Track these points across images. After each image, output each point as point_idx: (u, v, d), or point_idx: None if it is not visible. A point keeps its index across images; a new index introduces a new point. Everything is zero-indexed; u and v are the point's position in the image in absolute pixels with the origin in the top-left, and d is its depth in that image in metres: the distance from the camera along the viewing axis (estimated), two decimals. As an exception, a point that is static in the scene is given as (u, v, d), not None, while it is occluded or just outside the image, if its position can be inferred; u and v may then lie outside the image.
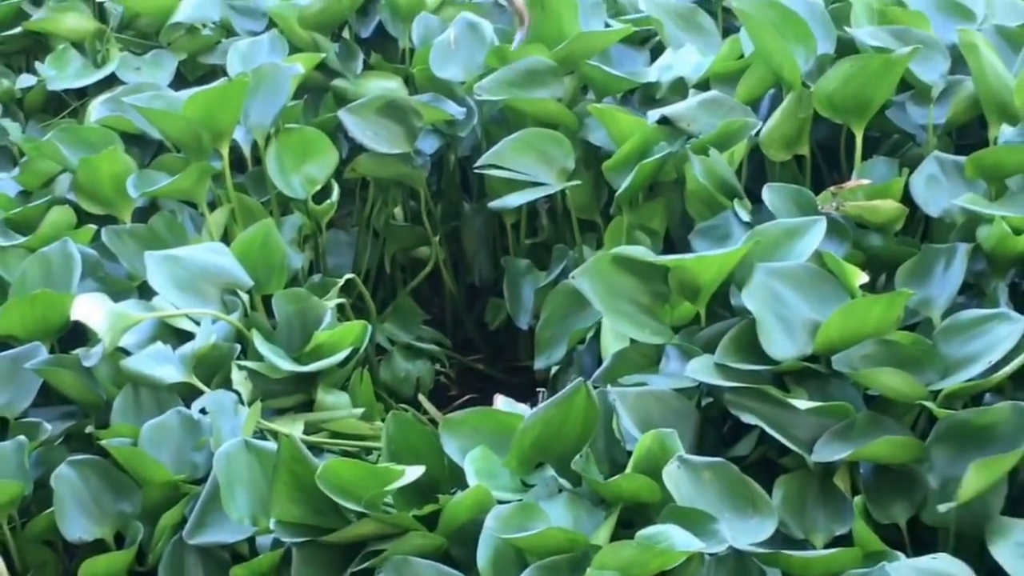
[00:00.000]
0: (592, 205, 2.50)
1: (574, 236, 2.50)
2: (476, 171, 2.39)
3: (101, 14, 3.04)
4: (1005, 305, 1.96)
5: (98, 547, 1.87)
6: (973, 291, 2.06)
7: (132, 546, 1.83)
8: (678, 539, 1.56)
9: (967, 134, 2.38)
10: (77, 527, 1.87)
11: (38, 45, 3.02)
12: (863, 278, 1.92)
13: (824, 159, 2.45)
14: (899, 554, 1.64)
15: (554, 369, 2.27)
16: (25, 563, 1.95)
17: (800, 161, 2.38)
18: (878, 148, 2.43)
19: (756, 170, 2.41)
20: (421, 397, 2.21)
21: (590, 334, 2.20)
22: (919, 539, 1.76)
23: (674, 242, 2.37)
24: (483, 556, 1.62)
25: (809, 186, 2.31)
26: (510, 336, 2.66)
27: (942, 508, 1.68)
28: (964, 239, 2.06)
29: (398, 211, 2.73)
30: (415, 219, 2.71)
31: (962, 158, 2.17)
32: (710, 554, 1.61)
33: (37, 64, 2.93)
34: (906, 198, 2.17)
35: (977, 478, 1.64)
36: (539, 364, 2.29)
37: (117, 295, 2.14)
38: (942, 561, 1.59)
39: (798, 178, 2.39)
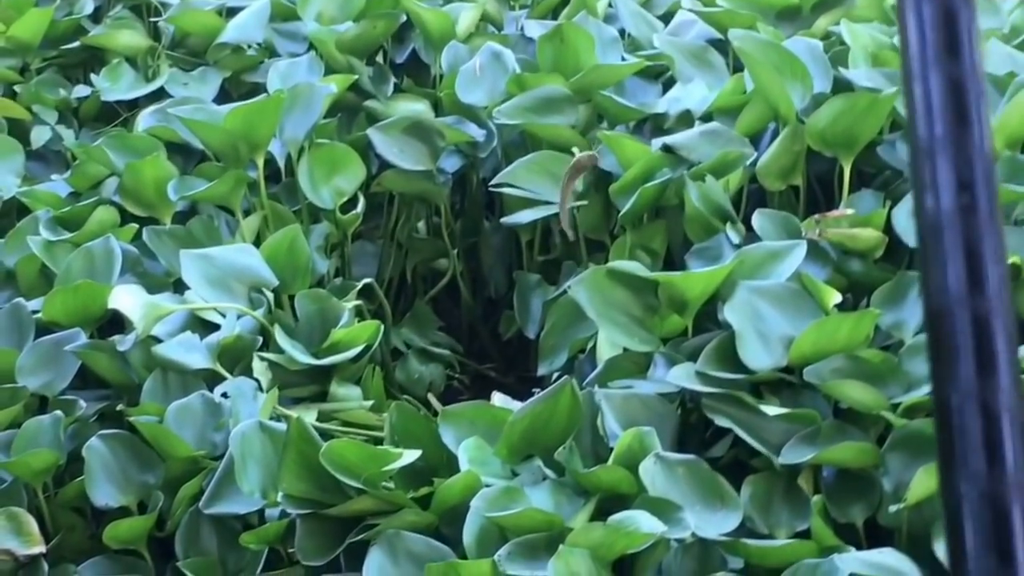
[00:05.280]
0: (601, 226, 2.65)
1: (584, 255, 2.65)
2: (491, 189, 2.55)
3: (154, 32, 3.22)
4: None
5: (122, 513, 2.04)
6: (947, 317, 2.20)
7: (153, 513, 2.00)
8: (644, 524, 1.71)
9: (958, 172, 2.51)
10: (104, 494, 2.04)
11: (94, 59, 3.18)
12: (837, 298, 2.07)
13: (821, 190, 2.60)
14: (851, 548, 1.78)
15: (555, 375, 2.42)
16: (56, 526, 2.12)
17: (796, 191, 2.53)
18: (872, 182, 2.57)
19: (758, 198, 2.56)
20: (430, 395, 2.38)
21: (590, 344, 2.34)
22: (876, 539, 1.89)
23: (675, 262, 2.51)
24: (469, 533, 1.77)
25: (803, 214, 2.45)
26: (522, 347, 2.81)
27: (892, 509, 1.82)
28: (941, 269, 2.20)
29: (421, 225, 2.90)
30: (436, 233, 2.87)
31: (944, 193, 2.31)
32: (676, 540, 1.76)
33: (93, 76, 3.10)
34: (891, 229, 2.32)
35: (924, 482, 1.78)
36: (542, 370, 2.43)
37: (154, 289, 2.31)
38: (887, 555, 1.73)
39: (794, 206, 2.53)
